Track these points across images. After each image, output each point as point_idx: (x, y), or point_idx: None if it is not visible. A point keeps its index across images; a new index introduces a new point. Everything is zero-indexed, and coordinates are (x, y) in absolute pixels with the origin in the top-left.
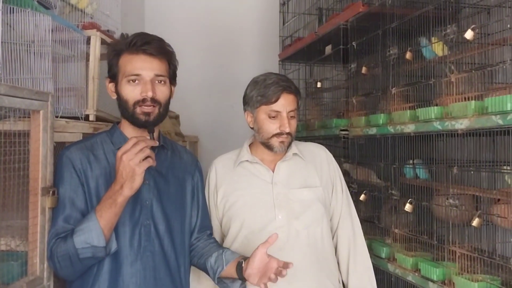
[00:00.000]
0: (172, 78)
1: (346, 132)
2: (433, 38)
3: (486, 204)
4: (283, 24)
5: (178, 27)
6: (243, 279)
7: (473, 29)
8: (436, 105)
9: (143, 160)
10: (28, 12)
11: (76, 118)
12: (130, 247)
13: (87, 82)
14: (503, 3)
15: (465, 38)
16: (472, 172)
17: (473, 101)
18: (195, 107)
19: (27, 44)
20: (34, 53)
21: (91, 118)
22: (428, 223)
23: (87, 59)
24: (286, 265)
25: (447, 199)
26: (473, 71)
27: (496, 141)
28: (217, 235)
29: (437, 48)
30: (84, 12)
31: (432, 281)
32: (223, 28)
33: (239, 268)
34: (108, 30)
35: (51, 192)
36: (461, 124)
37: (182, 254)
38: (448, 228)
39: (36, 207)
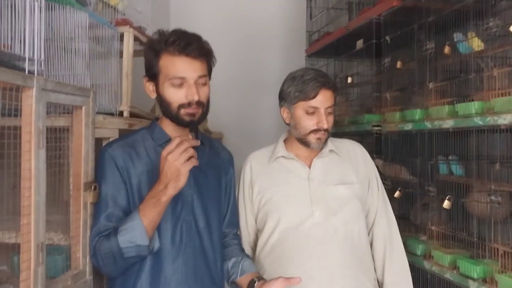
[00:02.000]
0: (210, 75)
1: (379, 128)
2: (469, 33)
3: None
4: (311, 18)
5: (203, 23)
6: None
7: None
8: (472, 100)
9: (187, 160)
10: (68, 9)
11: (110, 114)
12: (172, 243)
13: (121, 79)
14: None
15: (504, 32)
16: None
17: None
18: (220, 103)
19: (66, 41)
20: (72, 49)
21: (125, 114)
22: (463, 220)
23: (121, 56)
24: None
25: (489, 195)
26: None
27: None
28: (251, 230)
29: (473, 43)
30: (116, 9)
31: (472, 279)
32: (249, 24)
33: (251, 286)
34: (140, 27)
35: (92, 187)
36: (505, 120)
37: (219, 249)
38: (487, 225)
39: (79, 202)
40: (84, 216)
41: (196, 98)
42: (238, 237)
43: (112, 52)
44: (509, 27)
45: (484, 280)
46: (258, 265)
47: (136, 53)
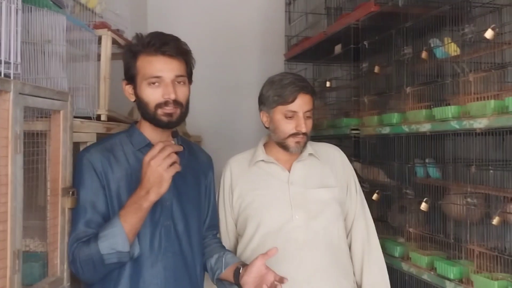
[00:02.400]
0: (189, 76)
1: (357, 131)
2: (445, 39)
3: (498, 203)
4: (289, 23)
5: (181, 27)
6: (238, 285)
7: (493, 29)
8: (448, 105)
9: (170, 165)
10: (45, 11)
11: (87, 118)
12: (151, 248)
13: (99, 82)
14: None
15: (479, 38)
16: (491, 171)
17: (492, 100)
18: (199, 107)
19: (43, 44)
20: (50, 53)
21: (103, 118)
22: (440, 222)
23: (98, 59)
24: (281, 280)
25: (465, 198)
26: (492, 70)
27: (506, 140)
28: (231, 234)
29: (449, 48)
30: (93, 12)
31: (449, 279)
32: (227, 28)
33: (236, 274)
34: (118, 30)
35: (70, 192)
36: (480, 123)
37: (198, 253)
38: (463, 227)
39: (57, 207)
40: (62, 222)
41: (172, 96)
42: (217, 237)
43: (89, 55)
44: (484, 33)
45: (461, 281)
46: None
47: (114, 56)
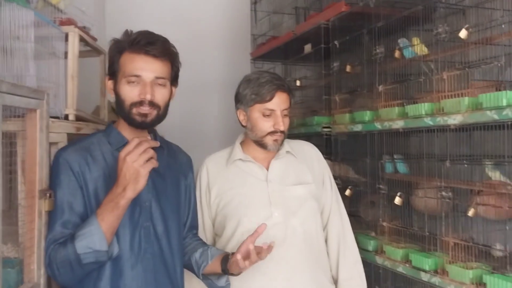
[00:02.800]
0: (173, 79)
1: (329, 129)
2: (413, 39)
3: (467, 196)
4: (255, 22)
5: (141, 24)
6: (226, 270)
7: (466, 29)
8: (415, 103)
9: (147, 161)
10: (13, 6)
11: (55, 117)
12: (131, 249)
13: (66, 81)
14: (479, 4)
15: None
16: (465, 165)
17: (466, 97)
18: None
19: (11, 40)
20: (17, 50)
21: (71, 117)
22: (412, 216)
23: (65, 57)
24: (269, 248)
25: (440, 191)
26: (466, 68)
27: (473, 136)
28: (209, 234)
29: (417, 48)
30: (57, 8)
31: (424, 271)
32: (190, 26)
33: (225, 260)
34: (84, 27)
35: (47, 195)
36: (454, 120)
37: (178, 254)
38: (437, 220)
39: (33, 210)
40: (38, 226)
41: (148, 97)
42: (197, 236)
43: (56, 53)
44: (458, 33)
45: (436, 271)
46: None
47: (81, 54)
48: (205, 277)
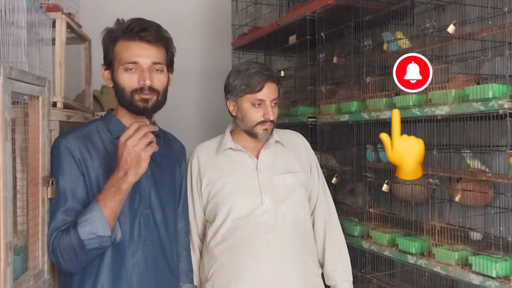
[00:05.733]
0: (169, 65)
1: (314, 119)
2: (397, 32)
3: (446, 183)
4: (236, 12)
5: (119, 13)
6: None
7: (454, 24)
8: (398, 94)
9: (147, 145)
10: None
11: None
12: (131, 237)
13: (54, 68)
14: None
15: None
16: (452, 154)
17: (453, 90)
18: None
19: (5, 26)
20: (11, 35)
21: (59, 105)
22: (395, 202)
23: (52, 44)
24: None
25: (428, 179)
26: (454, 62)
27: (451, 126)
28: (199, 221)
29: (401, 42)
30: None
31: (411, 254)
32: (169, 14)
33: None
34: (70, 13)
35: (50, 182)
36: (442, 110)
37: (175, 241)
38: (426, 205)
39: (37, 198)
40: (42, 213)
41: (148, 83)
42: (188, 233)
43: (44, 39)
44: (447, 28)
45: (422, 254)
46: (208, 254)
47: (68, 41)
48: None
